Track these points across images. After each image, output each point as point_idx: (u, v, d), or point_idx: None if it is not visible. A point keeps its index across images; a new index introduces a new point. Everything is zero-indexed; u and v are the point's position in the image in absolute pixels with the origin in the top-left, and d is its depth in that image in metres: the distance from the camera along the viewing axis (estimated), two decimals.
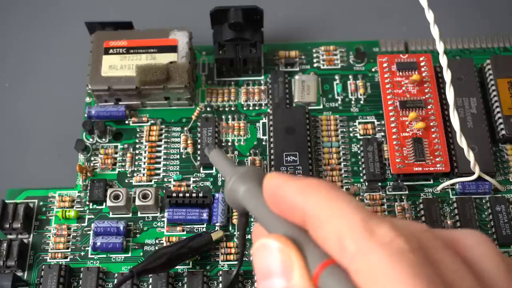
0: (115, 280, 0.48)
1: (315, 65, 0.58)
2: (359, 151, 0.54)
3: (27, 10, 0.64)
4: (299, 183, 0.28)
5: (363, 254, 0.25)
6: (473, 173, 0.50)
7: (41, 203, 0.52)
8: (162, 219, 0.51)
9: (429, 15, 0.46)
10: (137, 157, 0.54)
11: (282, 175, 0.30)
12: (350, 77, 0.57)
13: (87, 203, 0.52)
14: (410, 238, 0.25)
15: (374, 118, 0.55)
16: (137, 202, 0.50)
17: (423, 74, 0.54)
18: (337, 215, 0.26)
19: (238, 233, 0.38)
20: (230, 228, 0.50)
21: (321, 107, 0.56)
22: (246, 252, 0.48)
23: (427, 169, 0.51)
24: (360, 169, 0.53)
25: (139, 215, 0.51)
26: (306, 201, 0.27)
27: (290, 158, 0.51)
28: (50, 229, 0.51)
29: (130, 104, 0.55)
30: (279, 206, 0.29)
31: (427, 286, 0.23)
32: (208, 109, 0.56)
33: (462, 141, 0.47)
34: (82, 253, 0.50)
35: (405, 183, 0.52)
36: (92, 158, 0.54)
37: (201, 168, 0.53)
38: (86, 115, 0.55)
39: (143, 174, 0.53)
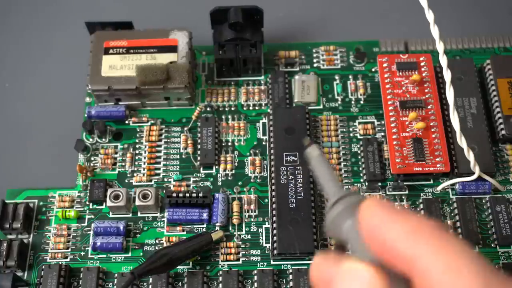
0: (115, 281, 0.48)
1: (315, 65, 0.58)
2: (359, 151, 0.54)
3: (27, 10, 0.64)
4: (405, 225, 0.25)
5: None
6: (473, 173, 0.50)
7: (41, 203, 0.52)
8: (162, 219, 0.51)
9: (429, 15, 0.46)
10: (137, 157, 0.54)
11: (381, 207, 0.26)
12: (350, 77, 0.57)
13: (87, 203, 0.52)
14: None
15: (374, 118, 0.55)
16: (137, 202, 0.50)
17: (423, 74, 0.54)
18: (454, 273, 0.23)
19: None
20: (230, 228, 0.50)
21: (321, 107, 0.56)
22: None
23: (427, 169, 0.51)
24: (360, 169, 0.53)
25: (139, 215, 0.51)
26: (415, 251, 0.24)
27: (290, 158, 0.51)
28: (50, 229, 0.51)
29: (130, 104, 0.55)
30: (380, 248, 0.26)
31: None
32: (208, 109, 0.56)
33: (462, 141, 0.47)
34: (82, 253, 0.50)
35: (405, 183, 0.52)
36: (92, 158, 0.54)
37: (201, 168, 0.53)
38: (86, 115, 0.55)
39: (143, 174, 0.53)
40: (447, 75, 0.46)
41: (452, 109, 0.47)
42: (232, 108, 0.56)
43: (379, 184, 0.52)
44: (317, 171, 0.34)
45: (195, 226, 0.51)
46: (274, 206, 0.49)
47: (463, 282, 0.22)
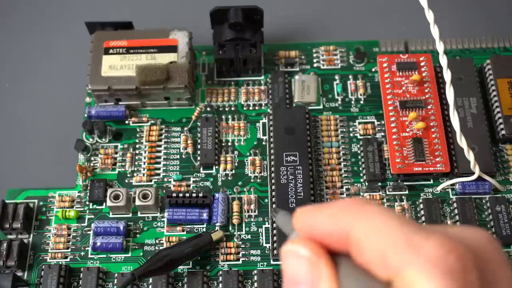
0: (115, 281, 0.48)
1: (315, 65, 0.58)
2: (359, 151, 0.54)
3: (27, 9, 0.64)
4: (328, 209, 0.26)
5: (407, 268, 0.23)
6: (473, 173, 0.50)
7: (41, 203, 0.52)
8: (162, 219, 0.51)
9: (429, 15, 0.46)
10: (137, 157, 0.54)
11: (310, 208, 0.27)
12: (350, 77, 0.57)
13: (87, 203, 0.52)
14: (464, 254, 0.23)
15: (374, 118, 0.55)
16: (137, 202, 0.50)
17: (423, 74, 0.54)
18: (376, 232, 0.24)
19: None
20: (230, 228, 0.50)
21: (321, 107, 0.56)
22: None
23: (427, 169, 0.51)
24: (360, 169, 0.53)
25: (139, 215, 0.51)
26: (341, 226, 0.25)
27: (290, 158, 0.51)
28: (50, 229, 0.51)
29: (130, 104, 0.55)
30: (320, 241, 0.27)
31: None
32: (208, 109, 0.56)
33: (462, 141, 0.47)
34: (82, 253, 0.50)
35: (405, 183, 0.52)
36: (92, 158, 0.54)
37: (201, 168, 0.53)
38: (86, 115, 0.55)
39: (143, 174, 0.53)
40: (447, 75, 0.46)
41: (452, 109, 0.47)
42: (232, 108, 0.56)
43: (379, 184, 0.52)
44: (281, 226, 0.35)
45: (195, 226, 0.51)
46: (274, 206, 0.49)
47: (387, 237, 0.24)
